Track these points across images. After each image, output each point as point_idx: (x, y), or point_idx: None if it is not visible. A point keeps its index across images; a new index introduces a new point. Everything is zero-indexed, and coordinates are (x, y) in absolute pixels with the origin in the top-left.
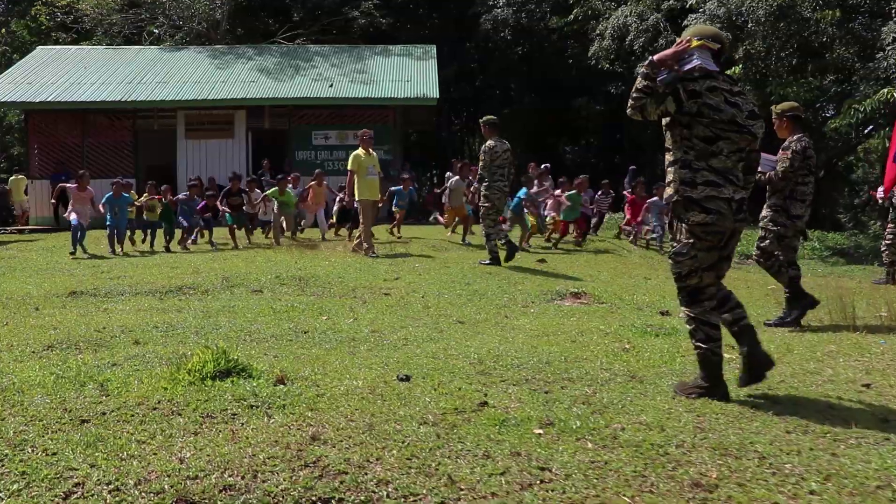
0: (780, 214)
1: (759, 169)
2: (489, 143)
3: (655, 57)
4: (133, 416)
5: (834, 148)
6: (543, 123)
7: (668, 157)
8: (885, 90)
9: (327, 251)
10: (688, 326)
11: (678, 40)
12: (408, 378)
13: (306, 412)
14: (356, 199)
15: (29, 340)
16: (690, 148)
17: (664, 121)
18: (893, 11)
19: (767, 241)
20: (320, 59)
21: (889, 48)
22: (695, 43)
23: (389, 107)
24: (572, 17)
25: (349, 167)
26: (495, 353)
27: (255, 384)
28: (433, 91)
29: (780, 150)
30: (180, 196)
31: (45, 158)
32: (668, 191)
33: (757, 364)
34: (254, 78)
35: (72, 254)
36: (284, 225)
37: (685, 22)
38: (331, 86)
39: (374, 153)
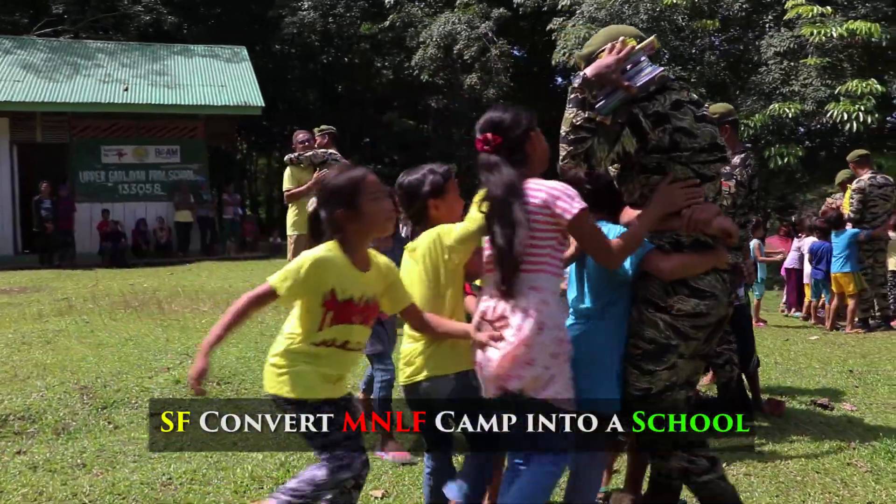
0: None
1: None
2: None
3: (590, 71)
4: None
5: None
6: (342, 140)
7: None
8: (776, 105)
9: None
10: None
11: (611, 47)
12: None
13: None
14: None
15: None
16: None
17: (611, 169)
18: (767, 26)
19: None
20: (105, 56)
21: (772, 62)
22: (631, 42)
23: (199, 117)
24: (388, 23)
25: None
26: None
27: None
28: (255, 98)
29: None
30: None
31: None
32: None
33: None
34: (17, 77)
35: None
36: None
37: (550, 26)
38: (126, 89)
39: None
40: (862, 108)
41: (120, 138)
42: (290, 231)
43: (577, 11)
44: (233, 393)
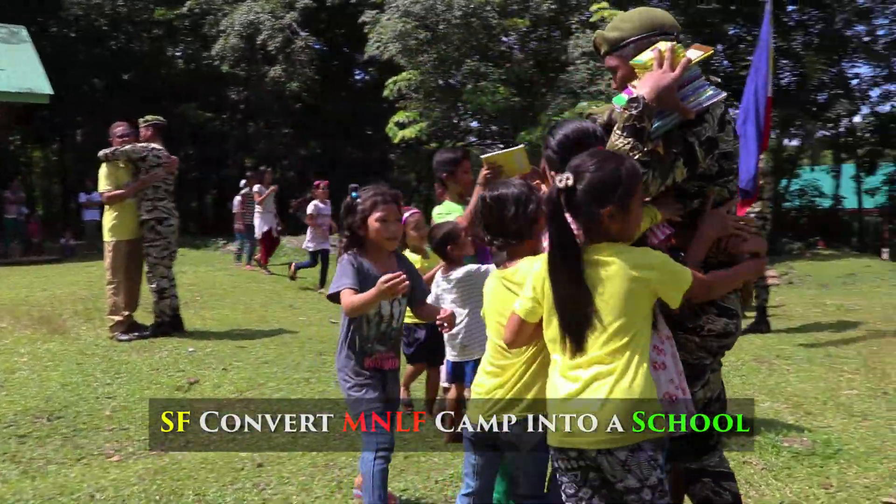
0: None
1: None
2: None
3: (648, 94)
4: None
5: None
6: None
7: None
8: (585, 104)
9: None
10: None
11: (659, 56)
12: None
13: None
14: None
15: None
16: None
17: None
18: (573, 27)
19: None
20: None
21: (579, 62)
22: (683, 53)
23: None
24: (185, 9)
25: None
26: None
27: None
28: (42, 85)
29: None
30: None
31: None
32: None
33: None
34: None
35: None
36: None
37: (363, 18)
38: None
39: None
40: None
41: None
42: (107, 237)
43: (393, 4)
44: (69, 430)
